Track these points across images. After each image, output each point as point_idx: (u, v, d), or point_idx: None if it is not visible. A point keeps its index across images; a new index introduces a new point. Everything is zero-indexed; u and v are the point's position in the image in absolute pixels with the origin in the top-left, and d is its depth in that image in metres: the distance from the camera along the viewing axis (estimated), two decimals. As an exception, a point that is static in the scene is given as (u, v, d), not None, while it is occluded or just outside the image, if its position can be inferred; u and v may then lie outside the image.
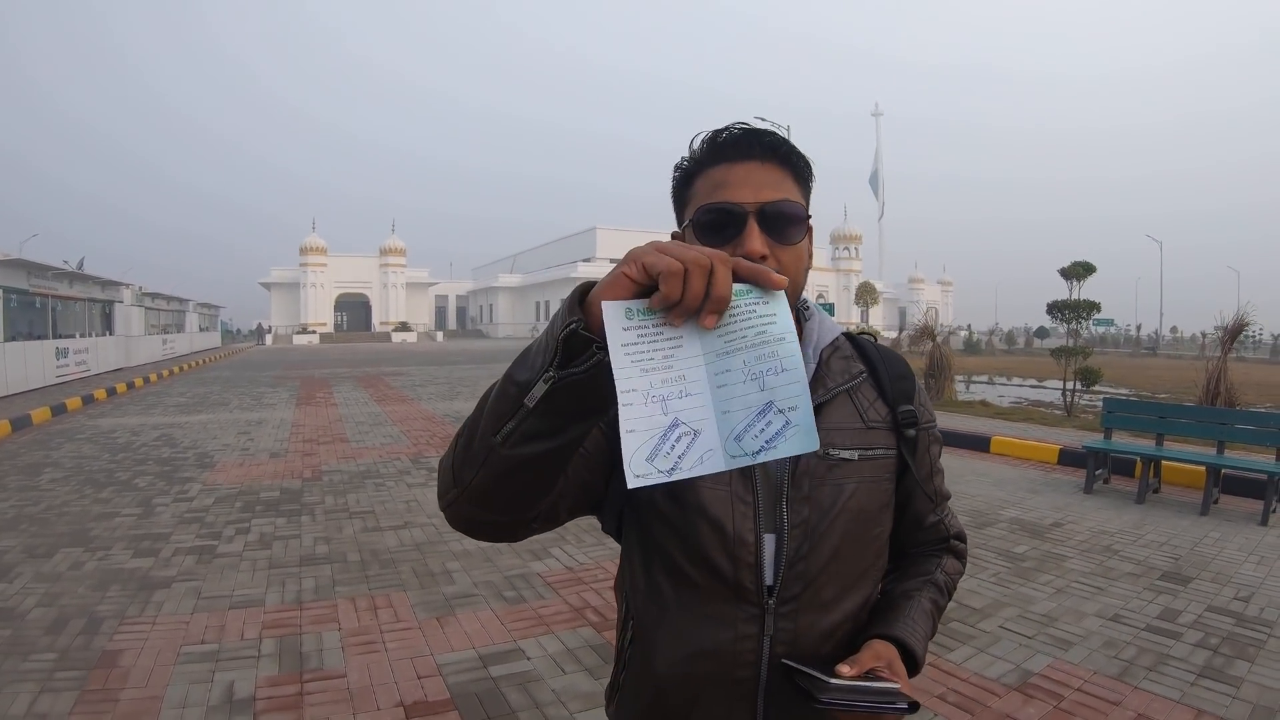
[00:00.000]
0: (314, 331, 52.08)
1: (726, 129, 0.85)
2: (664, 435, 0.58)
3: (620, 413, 0.58)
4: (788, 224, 0.83)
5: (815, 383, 0.88)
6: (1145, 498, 5.76)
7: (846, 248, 62.06)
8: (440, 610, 3.53)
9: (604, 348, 0.59)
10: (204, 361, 26.57)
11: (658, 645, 0.88)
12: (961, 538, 1.04)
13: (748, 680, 0.85)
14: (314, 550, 4.46)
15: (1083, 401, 11.15)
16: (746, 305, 0.60)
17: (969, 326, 54.47)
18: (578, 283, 0.65)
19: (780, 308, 0.61)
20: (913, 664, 0.86)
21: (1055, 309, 10.87)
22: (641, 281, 0.58)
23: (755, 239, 0.80)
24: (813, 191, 0.90)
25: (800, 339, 0.84)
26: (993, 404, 11.87)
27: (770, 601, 0.84)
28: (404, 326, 55.34)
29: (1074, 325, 10.88)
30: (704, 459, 0.59)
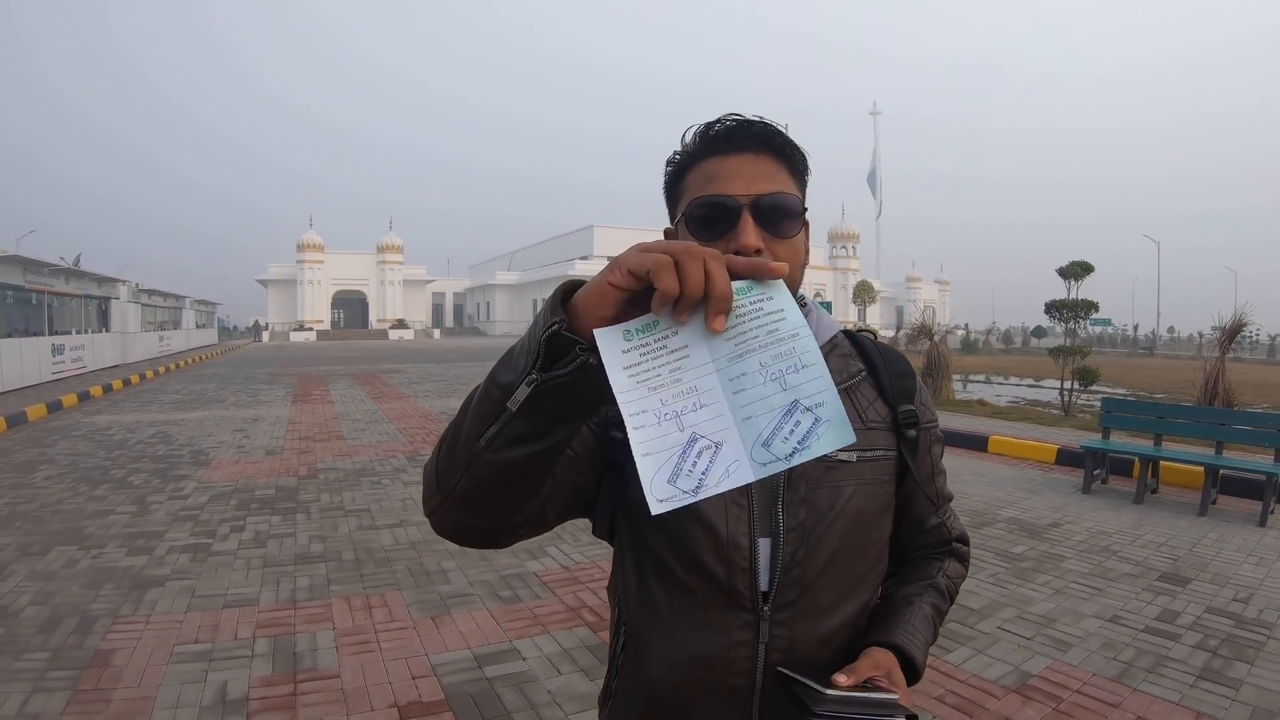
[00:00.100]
0: (311, 329, 52.02)
1: (719, 120, 0.83)
2: (683, 453, 0.55)
3: (631, 437, 0.54)
4: (783, 217, 0.80)
5: None
6: (1143, 498, 5.76)
7: (844, 246, 62.15)
8: (435, 610, 3.51)
9: (587, 349, 0.57)
10: (200, 358, 26.49)
11: (650, 651, 0.86)
12: (964, 540, 1.02)
13: (742, 688, 0.82)
14: (309, 549, 4.44)
15: (1080, 401, 11.14)
16: (751, 304, 0.57)
17: (966, 326, 54.51)
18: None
19: (787, 303, 0.58)
20: (913, 672, 0.84)
21: (1053, 308, 10.89)
22: (629, 288, 0.55)
23: (749, 232, 0.77)
24: (809, 186, 0.87)
25: None
26: (990, 403, 11.86)
27: (765, 608, 0.82)
28: (401, 324, 55.27)
29: (1072, 325, 10.90)
30: (730, 471, 0.55)
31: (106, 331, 22.31)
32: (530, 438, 0.63)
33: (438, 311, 70.60)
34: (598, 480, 0.86)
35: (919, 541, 0.98)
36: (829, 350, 0.90)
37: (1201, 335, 32.64)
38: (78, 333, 20.18)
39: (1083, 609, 3.58)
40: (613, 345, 0.55)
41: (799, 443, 0.56)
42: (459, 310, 75.11)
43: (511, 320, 63.48)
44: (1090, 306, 10.78)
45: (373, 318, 57.88)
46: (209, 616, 3.40)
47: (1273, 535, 4.89)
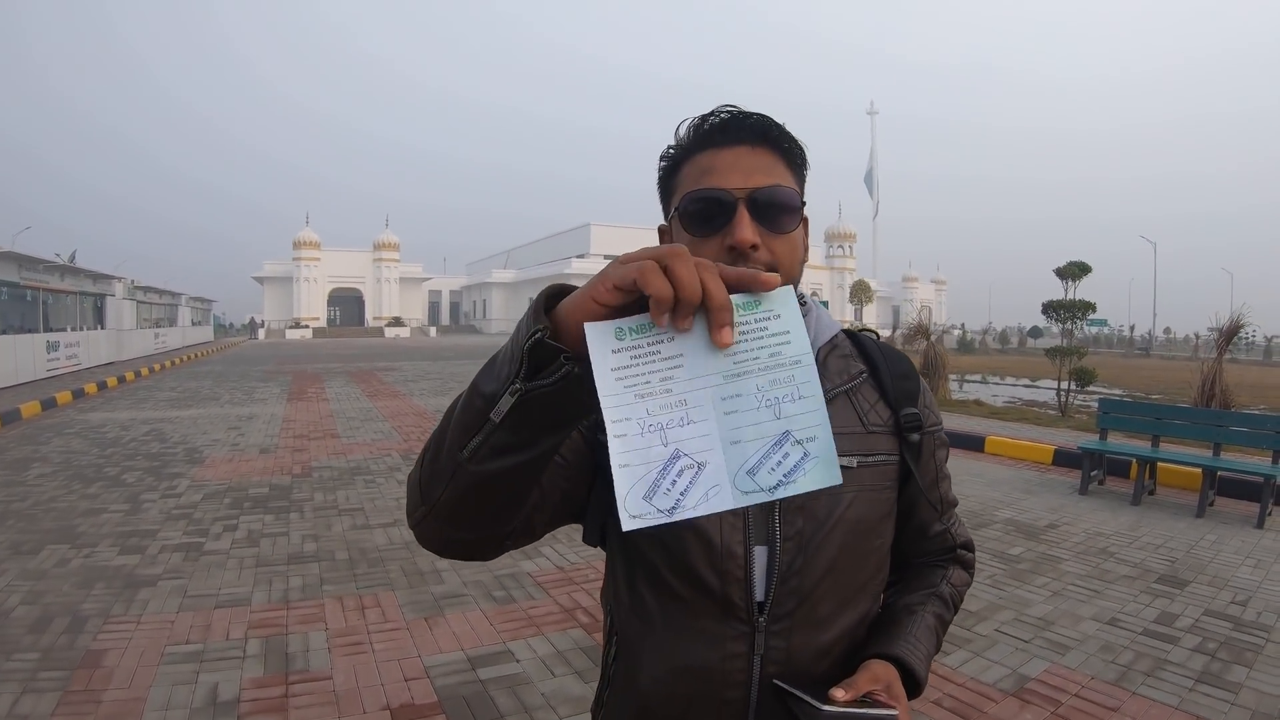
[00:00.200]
0: (307, 326, 51.87)
1: (714, 112, 0.80)
2: (663, 469, 0.52)
3: (611, 445, 0.51)
4: (780, 211, 0.77)
5: None
6: (1141, 499, 5.75)
7: (841, 246, 62.18)
8: (429, 610, 3.48)
9: (572, 358, 0.54)
10: (196, 356, 26.41)
11: (642, 662, 0.83)
12: (969, 547, 0.99)
13: (737, 701, 0.80)
14: (302, 548, 4.40)
15: (1077, 402, 11.15)
16: (756, 322, 0.54)
17: (963, 325, 54.57)
18: (570, 280, 0.60)
19: (794, 326, 0.54)
20: (914, 685, 0.82)
21: (1051, 308, 10.90)
22: (616, 304, 0.52)
23: (746, 227, 0.74)
24: (807, 180, 0.85)
25: None
26: (987, 403, 11.87)
27: (761, 619, 0.79)
28: (397, 321, 55.14)
29: (1069, 325, 10.91)
30: (709, 495, 0.52)
31: (101, 328, 22.20)
32: (515, 448, 0.60)
33: (434, 309, 70.51)
34: (588, 486, 0.83)
35: (922, 549, 0.95)
36: (829, 350, 0.87)
37: (1198, 336, 32.77)
38: (73, 329, 20.07)
39: (1081, 611, 3.56)
40: (602, 344, 0.52)
41: (785, 475, 0.53)
42: (455, 308, 74.98)
43: (508, 318, 63.34)
44: (1087, 307, 10.80)
45: (369, 315, 57.77)
46: (201, 617, 3.37)
47: (1270, 537, 4.88)
